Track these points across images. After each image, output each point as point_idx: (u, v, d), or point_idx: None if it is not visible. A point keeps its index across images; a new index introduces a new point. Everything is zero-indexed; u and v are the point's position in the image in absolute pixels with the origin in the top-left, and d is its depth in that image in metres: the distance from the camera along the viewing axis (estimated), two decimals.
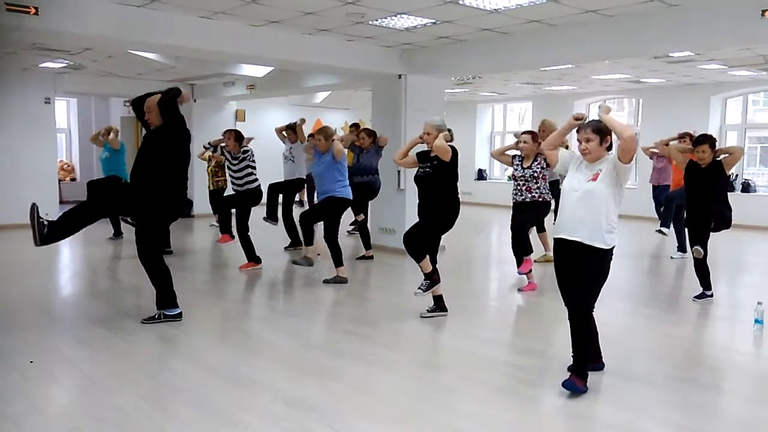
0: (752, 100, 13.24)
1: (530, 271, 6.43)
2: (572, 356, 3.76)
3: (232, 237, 7.81)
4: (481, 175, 17.02)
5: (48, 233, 4.67)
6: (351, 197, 6.76)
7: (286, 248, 8.80)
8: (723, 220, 5.77)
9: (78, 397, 3.83)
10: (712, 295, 6.08)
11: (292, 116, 15.62)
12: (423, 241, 5.23)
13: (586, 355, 3.78)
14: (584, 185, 3.69)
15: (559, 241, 3.83)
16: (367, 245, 8.33)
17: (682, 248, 8.39)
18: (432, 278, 5.28)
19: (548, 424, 3.46)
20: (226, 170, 7.70)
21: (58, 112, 12.89)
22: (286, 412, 3.47)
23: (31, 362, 4.23)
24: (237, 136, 7.40)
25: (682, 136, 7.97)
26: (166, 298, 5.14)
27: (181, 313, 5.21)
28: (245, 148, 7.36)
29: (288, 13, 6.69)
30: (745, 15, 5.74)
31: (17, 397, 3.65)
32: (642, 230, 10.44)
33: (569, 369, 3.97)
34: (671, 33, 6.31)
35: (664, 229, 8.45)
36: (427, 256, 5.24)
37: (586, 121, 3.80)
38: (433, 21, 6.97)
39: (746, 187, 12.44)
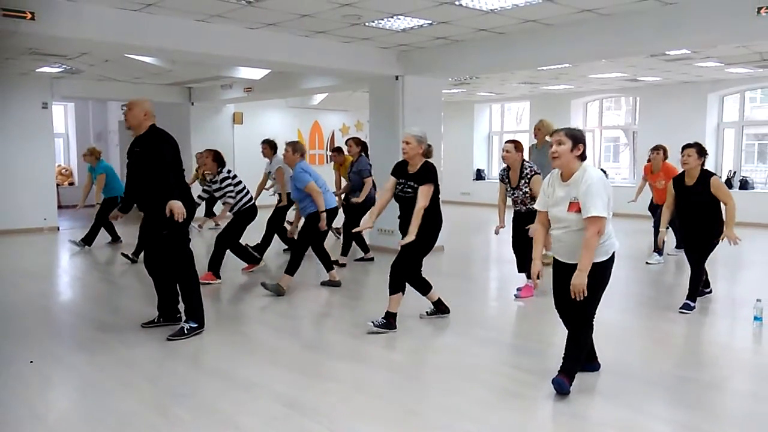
0: (749, 97, 13.26)
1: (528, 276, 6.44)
2: (564, 357, 3.75)
3: (217, 277, 6.97)
4: (479, 175, 17.03)
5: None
6: (331, 205, 6.54)
7: (285, 251, 8.78)
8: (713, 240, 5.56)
9: (78, 402, 3.83)
10: (710, 292, 6.09)
11: (289, 118, 15.70)
12: (407, 271, 5.04)
13: (580, 361, 3.78)
14: (566, 216, 3.61)
15: (556, 262, 3.82)
16: (365, 248, 8.31)
17: (680, 245, 8.39)
18: (389, 321, 5.00)
19: (549, 424, 3.47)
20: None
21: (55, 116, 12.87)
22: (285, 414, 3.47)
23: (31, 362, 4.25)
24: (216, 157, 6.95)
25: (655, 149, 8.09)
26: (196, 307, 4.92)
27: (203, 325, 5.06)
28: (224, 175, 6.89)
29: (284, 16, 6.69)
30: (740, 12, 5.75)
31: (17, 403, 3.65)
32: (638, 230, 10.46)
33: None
34: (667, 31, 6.32)
35: (654, 259, 8.06)
36: (399, 294, 5.01)
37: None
38: (430, 22, 6.98)
39: (744, 184, 12.45)
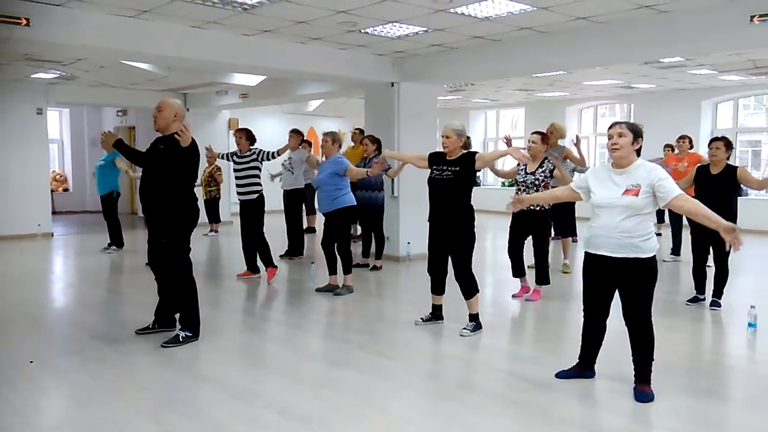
0: (743, 104, 13.33)
1: (524, 275, 6.45)
2: (634, 363, 3.81)
3: (275, 267, 7.32)
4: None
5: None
6: (351, 203, 6.65)
7: (281, 256, 8.76)
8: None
9: (70, 409, 3.80)
10: (704, 299, 6.11)
11: (284, 124, 15.68)
12: (470, 271, 5.18)
13: (651, 360, 3.79)
14: (621, 200, 3.57)
15: (596, 257, 3.73)
16: (366, 254, 8.28)
17: (676, 251, 8.44)
18: (477, 322, 5.18)
19: (544, 431, 3.45)
20: (233, 173, 7.56)
21: (50, 122, 12.84)
22: (280, 422, 3.46)
23: (31, 362, 4.26)
24: (248, 135, 7.32)
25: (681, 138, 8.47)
26: (192, 317, 4.91)
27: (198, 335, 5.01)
28: (252, 150, 7.24)
29: (280, 23, 6.70)
30: (734, 20, 5.78)
31: (7, 410, 3.62)
32: None
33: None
34: (662, 39, 6.34)
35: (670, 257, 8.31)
36: (476, 295, 5.18)
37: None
38: (425, 29, 6.99)
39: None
